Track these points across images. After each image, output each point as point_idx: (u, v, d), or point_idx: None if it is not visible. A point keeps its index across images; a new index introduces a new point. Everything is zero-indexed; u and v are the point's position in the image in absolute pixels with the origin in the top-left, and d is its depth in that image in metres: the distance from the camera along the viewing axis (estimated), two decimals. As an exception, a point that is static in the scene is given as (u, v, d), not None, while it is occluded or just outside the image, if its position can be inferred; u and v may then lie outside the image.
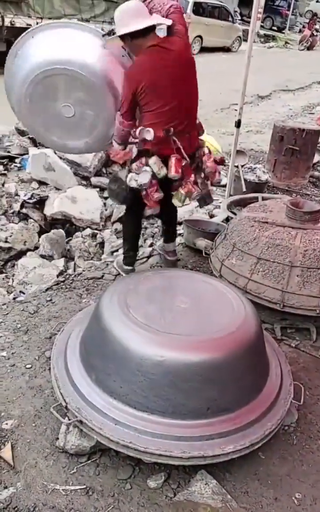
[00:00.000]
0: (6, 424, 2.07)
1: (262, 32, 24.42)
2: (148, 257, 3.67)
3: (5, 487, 1.80)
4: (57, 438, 1.99)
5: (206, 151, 3.03)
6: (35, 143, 5.04)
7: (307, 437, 2.17)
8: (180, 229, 3.93)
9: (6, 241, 3.78)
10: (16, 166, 4.82)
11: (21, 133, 5.17)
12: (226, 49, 20.18)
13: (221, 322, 2.05)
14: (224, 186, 5.04)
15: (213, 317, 2.10)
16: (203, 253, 3.44)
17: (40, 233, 4.03)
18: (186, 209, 4.26)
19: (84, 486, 1.83)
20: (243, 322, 2.06)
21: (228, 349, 1.91)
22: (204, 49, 18.89)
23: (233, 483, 1.90)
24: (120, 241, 3.80)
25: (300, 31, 27.34)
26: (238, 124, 4.34)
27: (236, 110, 4.50)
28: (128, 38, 2.63)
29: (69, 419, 1.89)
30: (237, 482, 1.91)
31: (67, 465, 1.91)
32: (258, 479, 1.93)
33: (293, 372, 2.35)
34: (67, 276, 3.40)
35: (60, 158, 4.62)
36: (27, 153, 4.77)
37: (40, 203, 4.29)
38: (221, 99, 9.81)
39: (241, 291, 2.79)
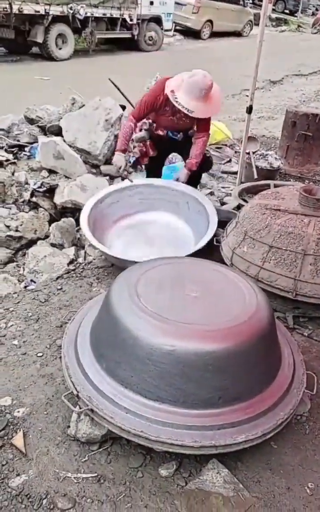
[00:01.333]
0: (18, 412, 2.08)
1: (273, 15, 23.97)
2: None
3: (18, 475, 1.81)
4: (69, 426, 1.99)
5: None
6: (44, 131, 5.00)
7: (320, 426, 2.15)
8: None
9: (17, 230, 3.77)
10: (25, 154, 4.79)
11: (30, 121, 5.13)
12: (237, 34, 19.88)
13: (233, 311, 2.03)
14: (235, 173, 4.98)
15: (224, 306, 2.08)
16: (214, 242, 3.40)
17: (50, 222, 4.01)
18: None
19: (96, 474, 1.84)
20: (255, 311, 2.03)
21: (240, 339, 1.89)
22: (214, 34, 18.64)
23: (245, 473, 1.90)
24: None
25: (313, 14, 26.83)
26: (249, 110, 4.27)
27: (247, 95, 4.42)
28: None
29: (80, 408, 1.89)
30: (249, 472, 1.90)
31: (78, 453, 1.92)
32: (270, 469, 1.92)
33: (305, 361, 2.32)
34: (78, 264, 3.40)
35: (70, 146, 4.59)
36: (37, 142, 4.74)
37: (50, 192, 4.26)
38: (232, 85, 9.66)
39: (253, 280, 2.76)
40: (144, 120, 3.57)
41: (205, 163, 3.82)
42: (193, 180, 3.90)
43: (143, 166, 4.03)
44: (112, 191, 3.69)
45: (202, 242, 3.26)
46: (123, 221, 3.65)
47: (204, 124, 3.57)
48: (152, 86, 3.49)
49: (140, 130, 3.63)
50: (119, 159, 3.50)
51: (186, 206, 3.66)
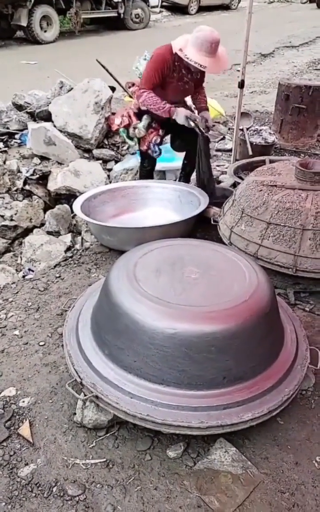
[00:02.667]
0: (23, 402, 2.08)
1: (262, -15, 23.36)
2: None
3: (26, 464, 1.82)
4: (75, 413, 2.00)
5: None
6: (33, 117, 4.92)
7: (325, 400, 2.15)
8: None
9: (11, 219, 3.73)
10: (16, 142, 4.71)
11: (19, 107, 5.03)
12: (225, 7, 19.43)
13: (233, 291, 2.01)
14: (230, 150, 4.91)
15: (225, 286, 2.06)
16: (211, 221, 3.37)
17: (45, 209, 3.98)
18: (192, 177, 4.18)
19: (104, 459, 1.84)
20: (255, 290, 2.01)
21: (242, 318, 1.87)
22: (202, 8, 18.25)
23: (252, 450, 1.90)
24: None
25: (302, -18, 26.08)
26: (241, 84, 4.18)
27: (238, 70, 4.33)
28: None
29: (85, 395, 1.88)
30: (257, 448, 1.91)
31: (86, 439, 1.92)
32: (278, 445, 1.93)
33: (308, 336, 2.32)
34: (75, 251, 3.38)
35: (60, 131, 4.51)
36: (26, 128, 4.66)
37: (43, 179, 4.21)
38: (223, 60, 9.46)
39: (252, 258, 2.74)
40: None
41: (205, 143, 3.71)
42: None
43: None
44: (105, 190, 3.71)
45: (200, 209, 3.32)
46: (115, 218, 3.66)
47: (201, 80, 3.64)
48: (152, 57, 3.33)
49: (140, 118, 3.61)
50: (180, 113, 3.32)
51: (178, 200, 3.71)
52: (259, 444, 1.93)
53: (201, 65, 3.09)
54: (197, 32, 3.06)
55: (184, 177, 4.01)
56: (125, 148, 4.88)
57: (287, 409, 2.00)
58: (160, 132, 3.70)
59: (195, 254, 2.32)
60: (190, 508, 1.67)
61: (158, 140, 3.68)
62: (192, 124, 3.37)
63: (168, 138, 4.10)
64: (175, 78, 3.36)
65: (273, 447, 1.92)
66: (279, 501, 1.72)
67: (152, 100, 3.32)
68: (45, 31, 12.07)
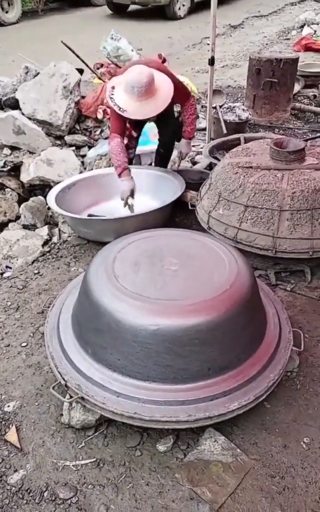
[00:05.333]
0: (8, 406, 2.06)
1: None
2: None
3: (15, 471, 1.81)
4: (62, 414, 1.98)
5: None
6: (0, 105, 4.75)
7: (310, 380, 2.18)
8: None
9: (-15, 214, 3.64)
10: (-17, 132, 4.56)
11: (-17, 96, 4.86)
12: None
13: (214, 280, 1.99)
14: (204, 129, 4.82)
15: (205, 276, 2.03)
16: (189, 206, 3.33)
17: (19, 202, 3.88)
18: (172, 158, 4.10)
19: (94, 459, 1.84)
20: (236, 278, 1.99)
21: (224, 308, 1.86)
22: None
23: (241, 436, 1.92)
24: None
25: None
26: (211, 61, 4.07)
27: (208, 44, 4.20)
28: None
29: (71, 397, 1.87)
30: (245, 435, 1.93)
31: (74, 440, 1.91)
32: (266, 429, 1.95)
33: (291, 316, 2.34)
34: (53, 245, 3.31)
35: (29, 119, 4.38)
36: (-7, 117, 4.51)
37: (15, 170, 4.09)
38: (192, 34, 9.26)
39: (232, 242, 2.72)
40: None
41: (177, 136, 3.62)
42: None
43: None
44: (79, 180, 3.63)
45: (177, 195, 3.27)
46: (92, 208, 3.60)
47: (179, 94, 3.25)
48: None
49: None
50: (127, 184, 3.19)
51: (155, 186, 3.65)
52: (248, 430, 1.95)
53: (120, 108, 2.92)
54: (126, 74, 2.90)
55: (160, 160, 3.90)
56: (97, 132, 4.76)
57: (273, 392, 2.01)
58: (133, 133, 3.56)
59: (174, 245, 2.29)
60: (183, 501, 1.69)
61: (125, 141, 3.46)
62: (125, 203, 3.24)
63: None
64: None
65: (262, 431, 1.94)
66: (270, 486, 1.74)
67: (115, 150, 3.17)
68: (7, 12, 11.59)
